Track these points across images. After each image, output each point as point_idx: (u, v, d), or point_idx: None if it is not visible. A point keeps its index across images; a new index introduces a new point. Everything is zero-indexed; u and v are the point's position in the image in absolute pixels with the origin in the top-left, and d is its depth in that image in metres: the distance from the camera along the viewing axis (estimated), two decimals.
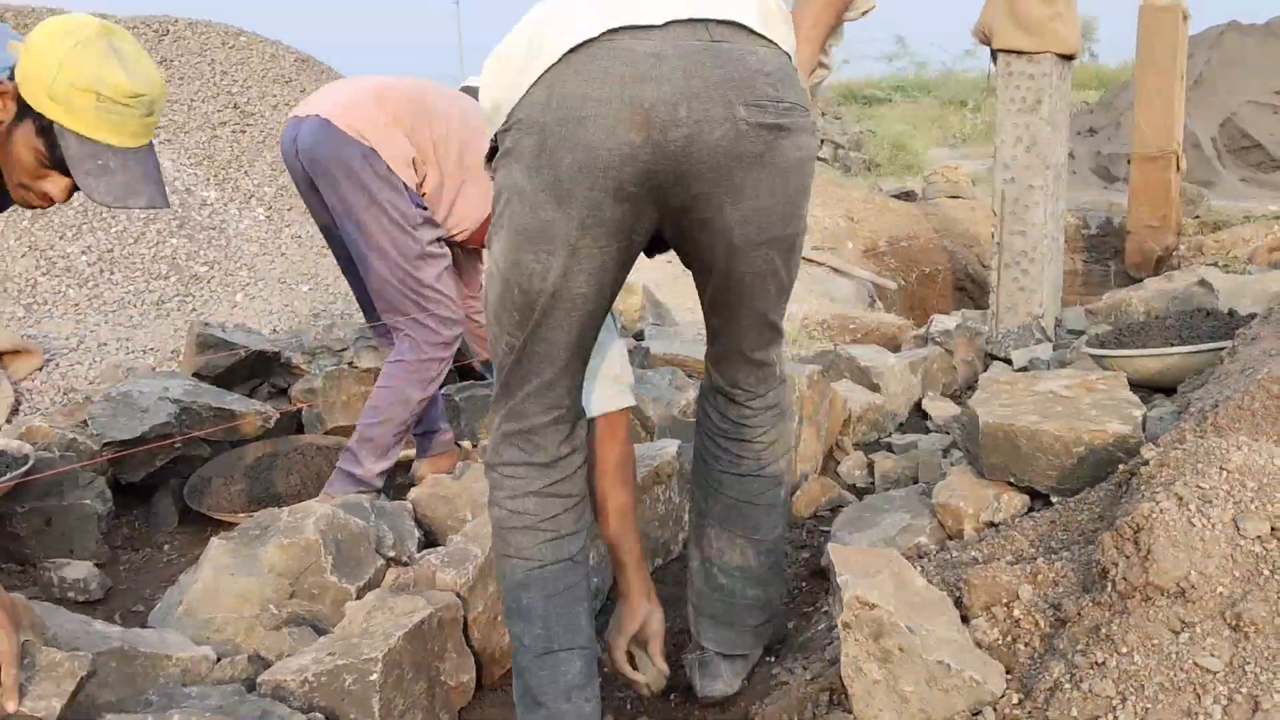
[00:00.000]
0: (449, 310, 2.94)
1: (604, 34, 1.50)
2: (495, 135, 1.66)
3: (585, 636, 1.81)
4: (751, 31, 1.57)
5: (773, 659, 2.11)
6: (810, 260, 8.21)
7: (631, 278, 5.78)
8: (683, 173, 1.55)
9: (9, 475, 2.71)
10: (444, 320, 2.93)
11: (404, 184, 2.85)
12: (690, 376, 3.84)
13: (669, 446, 2.74)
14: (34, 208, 1.88)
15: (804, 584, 2.43)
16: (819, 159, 13.49)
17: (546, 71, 1.52)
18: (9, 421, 3.82)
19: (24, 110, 1.72)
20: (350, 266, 3.10)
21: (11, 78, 1.72)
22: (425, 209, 2.93)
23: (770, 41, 1.59)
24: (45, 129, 1.72)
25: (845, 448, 3.41)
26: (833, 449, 3.37)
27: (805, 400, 3.07)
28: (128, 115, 1.72)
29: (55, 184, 1.79)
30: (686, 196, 1.59)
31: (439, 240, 2.96)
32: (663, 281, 6.65)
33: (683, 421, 3.17)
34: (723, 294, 1.79)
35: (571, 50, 1.50)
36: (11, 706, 1.60)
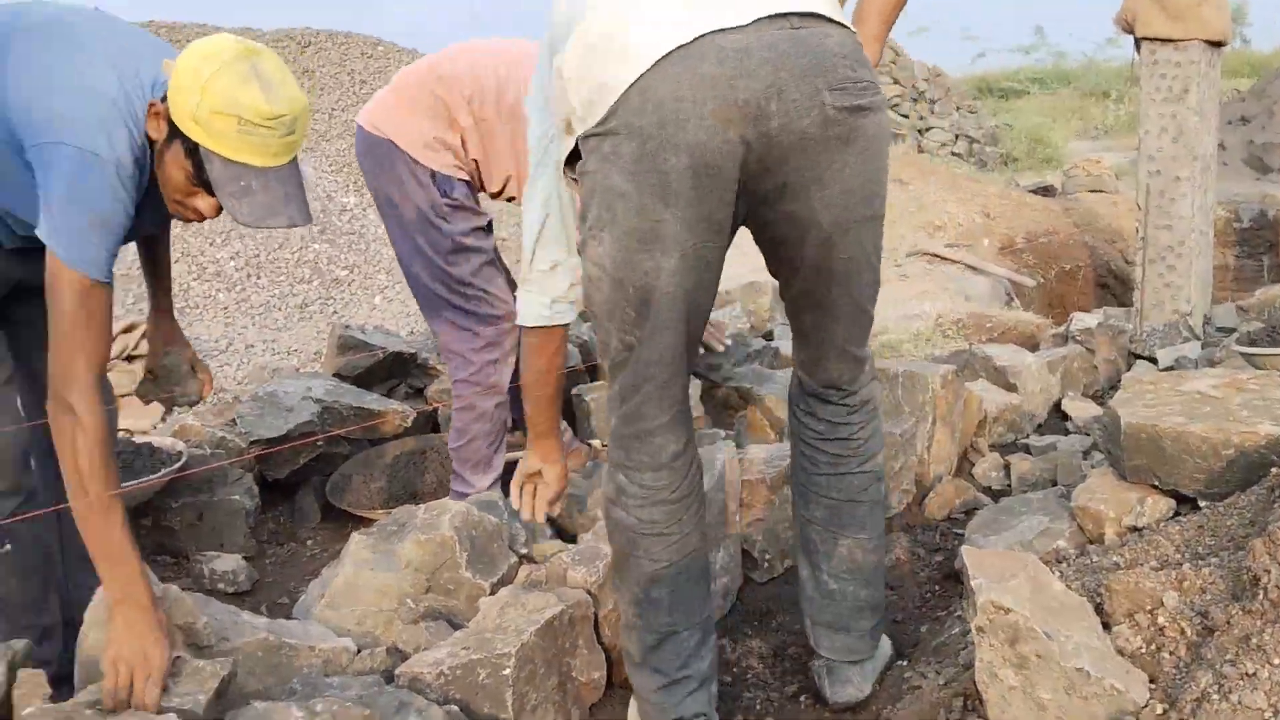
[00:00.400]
0: (489, 306, 2.84)
1: (697, 42, 1.52)
2: (579, 139, 1.66)
3: (702, 614, 1.87)
4: (825, 16, 1.59)
5: (905, 663, 2.08)
6: (945, 258, 8.05)
7: (761, 278, 5.77)
8: (775, 161, 1.58)
9: (164, 471, 2.86)
10: (484, 318, 2.84)
11: (432, 171, 2.76)
12: None
13: None
14: (189, 221, 1.96)
15: (937, 587, 2.39)
16: (954, 154, 13.23)
17: (640, 78, 1.54)
18: (163, 420, 4.02)
19: (174, 131, 1.79)
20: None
21: (164, 99, 1.79)
22: (455, 198, 2.80)
23: (842, 23, 1.61)
24: (192, 150, 1.78)
25: (980, 449, 3.33)
26: (967, 450, 3.29)
27: (939, 400, 3.01)
28: (268, 136, 1.76)
29: (204, 202, 1.85)
30: (775, 186, 1.62)
31: (477, 229, 2.85)
32: None
33: None
34: (815, 287, 1.80)
35: (670, 54, 1.53)
36: (151, 706, 1.67)
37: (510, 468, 3.16)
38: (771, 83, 1.52)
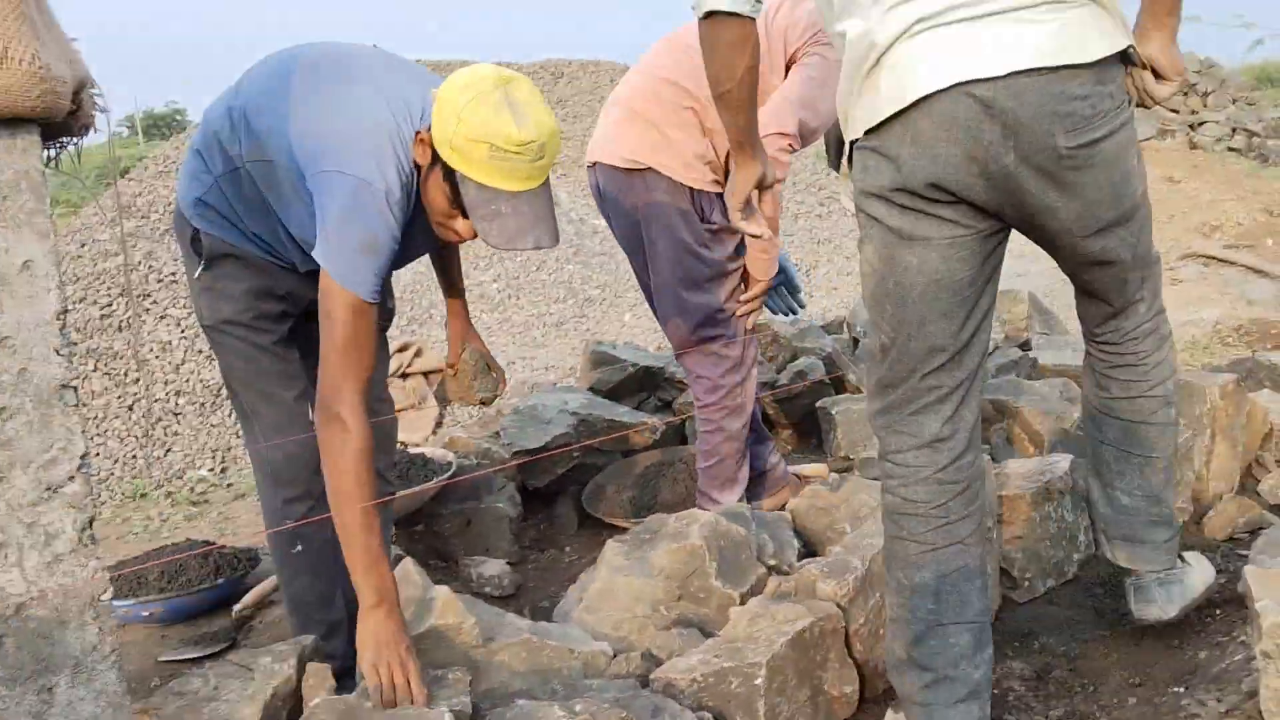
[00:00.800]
0: (733, 328, 2.86)
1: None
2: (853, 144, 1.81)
3: (975, 611, 1.87)
4: (1073, 65, 1.68)
5: (1182, 689, 1.95)
6: (1223, 260, 7.48)
7: (1019, 285, 5.56)
8: (1014, 193, 1.73)
9: (435, 480, 3.04)
10: (734, 350, 2.86)
11: (692, 192, 2.77)
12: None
13: (1061, 462, 2.60)
14: (452, 242, 2.08)
15: (1218, 611, 2.22)
16: (1231, 149, 12.27)
17: (901, 112, 1.69)
18: (434, 433, 4.28)
19: (435, 156, 1.90)
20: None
21: (429, 127, 1.91)
22: (715, 222, 2.80)
23: (1090, 63, 1.68)
24: (449, 174, 1.89)
25: (1266, 464, 3.08)
26: (1251, 466, 3.05)
27: (1219, 412, 2.81)
28: (518, 162, 1.84)
29: (463, 224, 1.96)
30: (1023, 211, 1.76)
31: (732, 254, 2.85)
32: (1051, 289, 6.32)
33: (1076, 435, 3.00)
34: (1076, 269, 1.95)
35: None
36: (423, 701, 1.77)
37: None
38: (1011, 128, 1.66)
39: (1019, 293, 4.85)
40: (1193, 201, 8.54)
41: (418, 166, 1.95)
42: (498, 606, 2.25)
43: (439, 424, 4.52)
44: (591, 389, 3.78)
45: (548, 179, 1.96)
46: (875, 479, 2.91)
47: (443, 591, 2.02)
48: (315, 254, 1.89)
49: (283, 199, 2.03)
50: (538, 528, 3.40)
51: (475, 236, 1.97)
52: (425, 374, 4.79)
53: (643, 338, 5.67)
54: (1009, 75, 1.65)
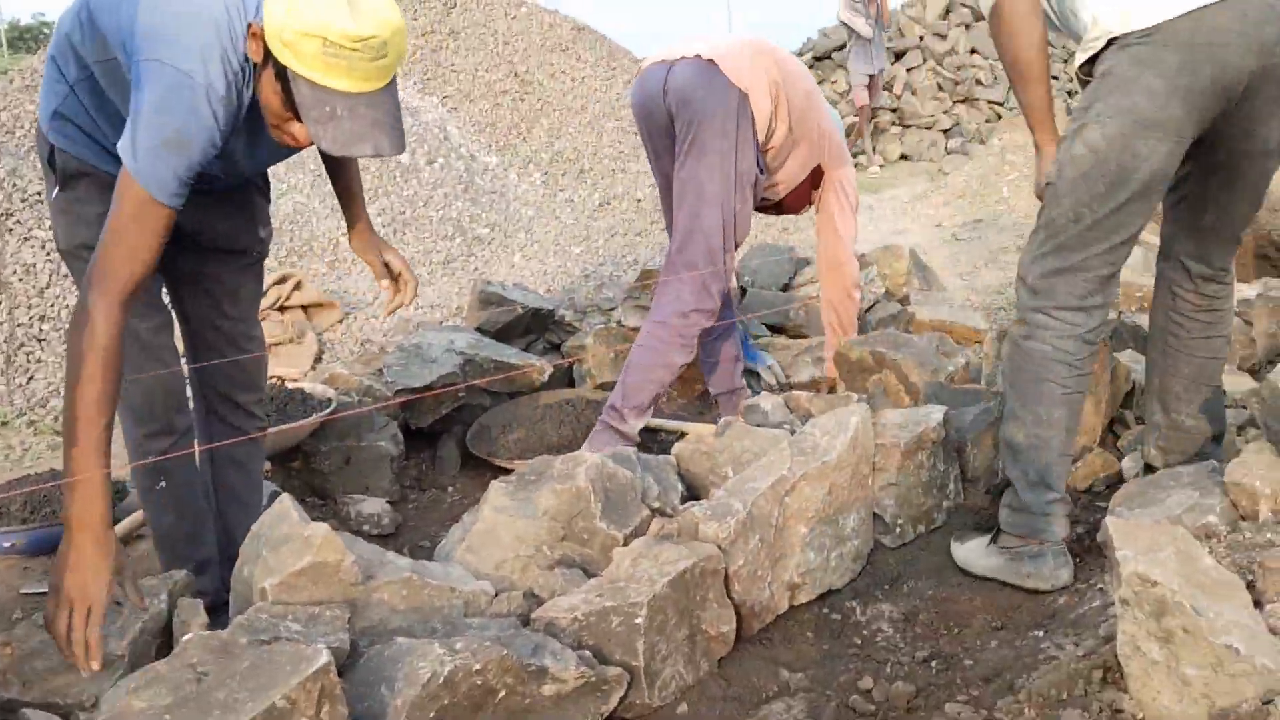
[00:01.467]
0: (724, 279, 3.02)
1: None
2: (1109, 43, 2.09)
3: (1075, 449, 2.40)
4: None
5: (1042, 633, 2.05)
6: None
7: (899, 241, 5.67)
8: (1263, 92, 2.08)
9: (315, 416, 2.98)
10: (720, 287, 3.02)
11: (755, 138, 2.95)
12: (958, 344, 3.73)
13: (934, 413, 2.68)
14: (290, 147, 1.93)
15: (1077, 559, 2.33)
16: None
17: (1194, 10, 1.98)
18: (313, 368, 4.19)
19: (268, 52, 1.75)
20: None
21: (263, 20, 1.75)
22: (761, 170, 3.02)
23: None
24: (282, 73, 1.74)
25: (1128, 421, 3.22)
26: (1113, 422, 3.19)
27: None
28: (355, 59, 1.71)
29: (298, 129, 1.81)
30: (1252, 109, 2.11)
31: (750, 207, 3.06)
32: (930, 246, 6.48)
33: (948, 389, 3.09)
34: (1234, 191, 2.30)
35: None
36: (96, 666, 1.63)
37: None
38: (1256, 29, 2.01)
39: (900, 249, 4.96)
40: None
41: (253, 62, 1.80)
42: (377, 545, 2.22)
43: (318, 359, 4.42)
44: (479, 329, 3.75)
45: (392, 80, 1.83)
46: (758, 425, 2.96)
47: (320, 528, 1.98)
48: (119, 145, 1.74)
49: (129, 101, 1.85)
50: (420, 467, 3.37)
51: (311, 143, 1.84)
52: (304, 307, 4.67)
53: (533, 279, 5.63)
54: None
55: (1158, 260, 2.56)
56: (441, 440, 3.41)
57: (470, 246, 6.13)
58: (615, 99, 8.01)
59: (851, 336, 3.47)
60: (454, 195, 6.54)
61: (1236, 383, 3.42)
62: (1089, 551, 2.38)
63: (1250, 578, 1.67)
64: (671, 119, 2.96)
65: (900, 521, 2.54)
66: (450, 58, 7.89)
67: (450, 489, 3.25)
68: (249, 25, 1.78)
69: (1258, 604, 1.60)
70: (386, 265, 2.37)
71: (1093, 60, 2.17)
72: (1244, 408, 3.07)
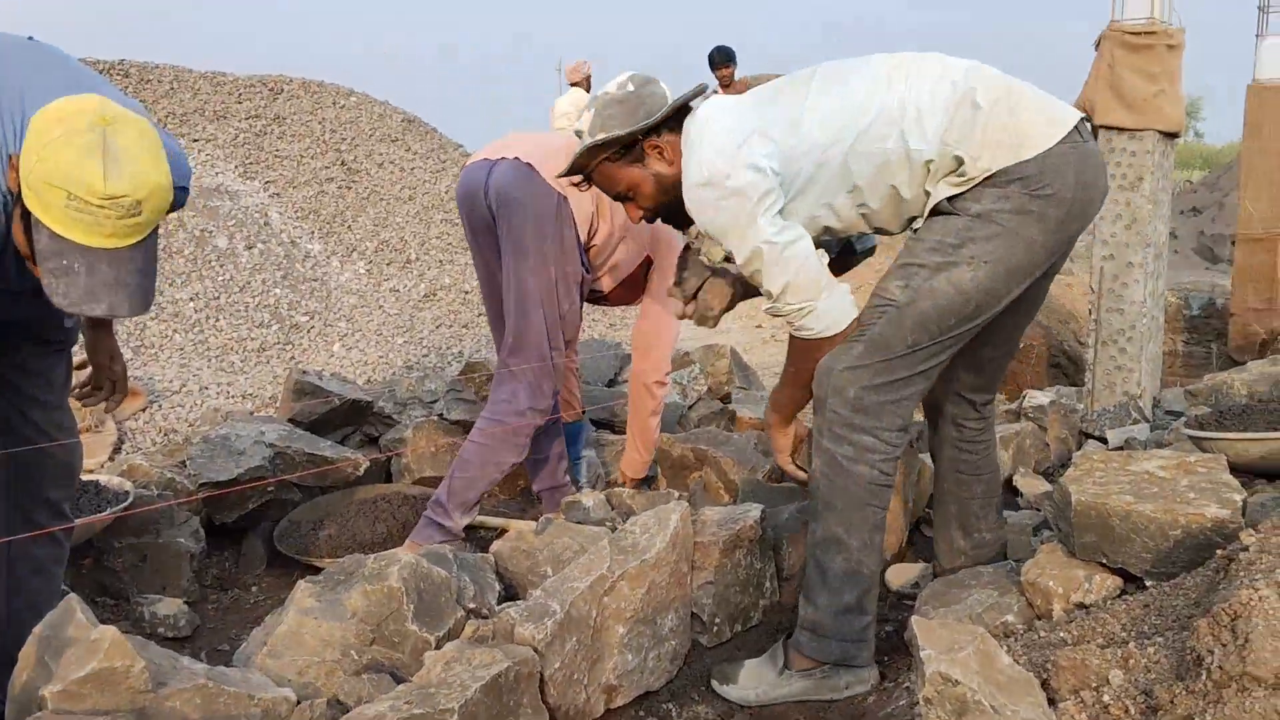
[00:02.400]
0: (555, 378, 3.06)
1: (1083, 137, 2.17)
2: (990, 184, 2.14)
3: None
4: None
5: None
6: None
7: (721, 340, 5.79)
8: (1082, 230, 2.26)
9: (108, 510, 2.80)
10: (551, 386, 3.05)
11: (577, 238, 3.00)
12: None
13: (752, 511, 2.72)
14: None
15: (885, 658, 2.38)
16: None
17: (1071, 164, 2.12)
18: (111, 459, 3.95)
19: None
20: (500, 318, 3.18)
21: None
22: (587, 269, 3.07)
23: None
24: (28, 214, 1.63)
25: (930, 520, 3.34)
26: (920, 522, 3.31)
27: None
28: (101, 216, 1.60)
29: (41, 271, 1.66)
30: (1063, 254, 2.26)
31: (578, 305, 3.10)
32: (751, 345, 6.65)
33: (765, 486, 3.15)
34: (1018, 319, 2.42)
35: (1073, 145, 2.13)
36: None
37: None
38: (1106, 180, 2.24)
39: (722, 348, 5.07)
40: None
41: (13, 193, 1.68)
42: (172, 649, 2.09)
43: (118, 449, 4.17)
44: (292, 420, 3.62)
45: (148, 238, 1.71)
46: (579, 522, 2.94)
47: (109, 631, 1.85)
48: None
49: None
50: (222, 565, 3.20)
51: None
52: None
53: (353, 370, 5.50)
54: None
55: (931, 400, 2.59)
56: (247, 537, 3.26)
57: (288, 334, 5.96)
58: (444, 191, 8.02)
59: (644, 454, 3.50)
60: (273, 281, 6.37)
61: (1032, 485, 3.61)
62: (897, 650, 2.43)
63: (1045, 676, 1.74)
64: (493, 216, 2.98)
65: (718, 620, 2.55)
66: (275, 143, 7.76)
67: (255, 589, 3.10)
68: (10, 156, 1.67)
69: (1052, 701, 1.66)
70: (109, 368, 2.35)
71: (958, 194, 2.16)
72: (1038, 510, 3.23)
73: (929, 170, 2.16)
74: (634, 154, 2.36)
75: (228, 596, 3.05)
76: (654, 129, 2.33)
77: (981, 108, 2.12)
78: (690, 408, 4.48)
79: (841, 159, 2.19)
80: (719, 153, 2.21)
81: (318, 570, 2.56)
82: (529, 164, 2.94)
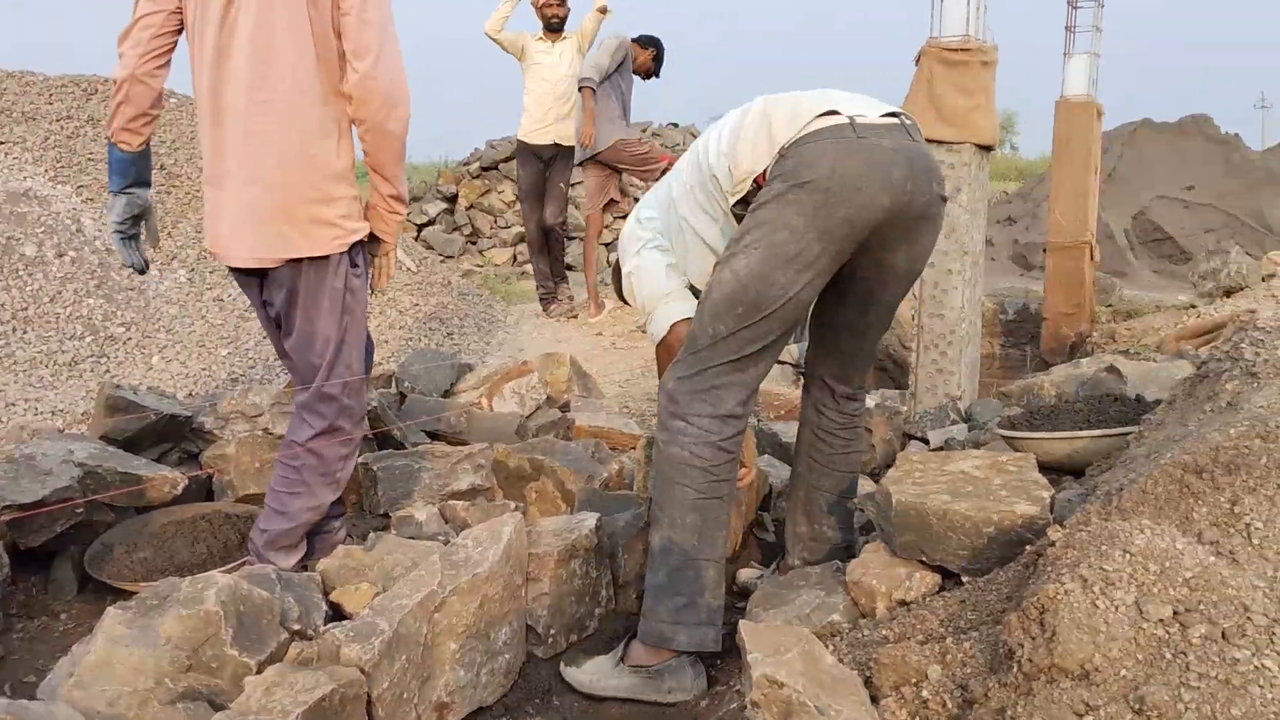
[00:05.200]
0: (356, 402, 2.79)
1: (860, 133, 2.24)
2: (762, 184, 2.30)
3: (720, 554, 2.40)
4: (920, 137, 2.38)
5: None
6: None
7: (561, 349, 5.77)
8: (893, 225, 2.30)
9: None
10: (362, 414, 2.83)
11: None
12: (613, 450, 3.83)
13: (588, 520, 2.72)
14: None
15: (718, 661, 2.41)
16: None
17: (829, 154, 2.21)
18: None
19: None
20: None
21: None
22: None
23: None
24: None
25: (766, 524, 3.41)
26: (752, 526, 3.37)
27: None
28: None
29: None
30: (883, 240, 2.32)
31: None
32: (591, 354, 6.66)
33: (602, 495, 3.16)
34: (868, 316, 2.55)
35: (838, 138, 2.23)
36: None
37: None
38: (909, 173, 2.26)
39: (561, 356, 5.06)
40: None
41: None
42: None
43: None
44: (104, 438, 3.43)
45: None
46: (411, 537, 2.88)
47: None
48: None
49: None
50: (29, 592, 3.00)
51: None
52: None
53: (173, 383, 5.26)
54: (891, 126, 2.31)
55: (804, 380, 2.78)
56: (56, 561, 3.06)
57: (102, 347, 5.66)
58: None
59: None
60: (86, 291, 6.04)
61: (860, 486, 3.71)
62: (729, 653, 2.46)
63: (868, 673, 1.78)
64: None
65: (553, 631, 2.54)
66: (88, 145, 7.37)
67: (64, 616, 2.91)
68: None
69: (875, 699, 1.71)
70: None
71: (744, 201, 2.37)
72: (862, 510, 3.32)
73: (720, 185, 2.44)
74: None
75: (35, 625, 2.86)
76: None
77: (745, 124, 2.38)
78: (529, 417, 4.45)
79: (690, 196, 2.55)
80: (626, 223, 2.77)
81: (131, 595, 2.43)
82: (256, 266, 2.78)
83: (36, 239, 6.27)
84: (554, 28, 7.69)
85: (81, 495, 2.96)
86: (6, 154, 7.14)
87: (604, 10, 7.71)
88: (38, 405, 4.62)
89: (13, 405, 4.66)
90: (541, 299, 8.29)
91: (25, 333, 5.55)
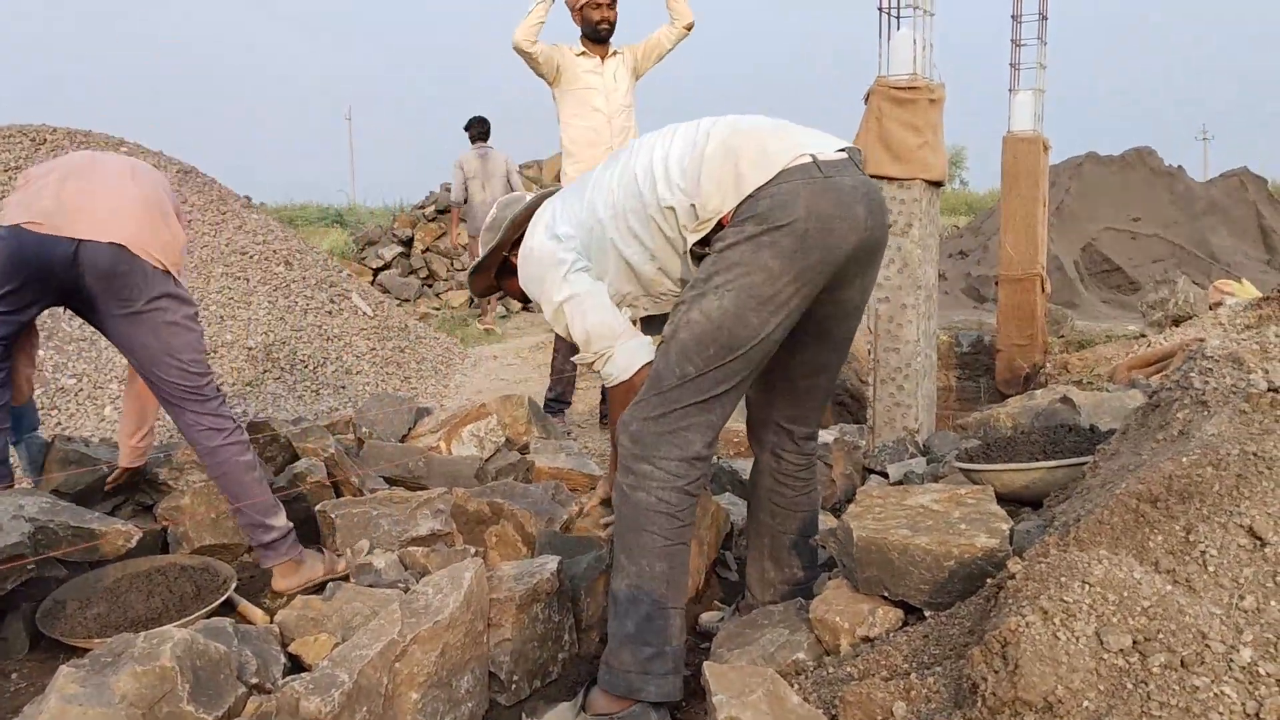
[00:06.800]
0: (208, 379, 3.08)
1: (825, 172, 2.24)
2: (730, 224, 2.26)
3: (683, 599, 2.37)
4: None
5: None
6: None
7: (520, 390, 5.73)
8: (855, 261, 2.31)
9: None
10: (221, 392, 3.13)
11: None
12: (573, 491, 3.81)
13: (549, 563, 2.70)
14: None
15: (685, 702, 2.39)
16: None
17: (802, 196, 2.20)
18: None
19: None
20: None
21: None
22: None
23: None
24: None
25: (728, 562, 3.40)
26: (714, 565, 3.36)
27: None
28: None
29: None
30: (844, 275, 2.32)
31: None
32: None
33: (562, 538, 3.14)
34: (825, 353, 2.55)
35: (808, 179, 2.22)
36: None
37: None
38: (868, 209, 2.28)
39: (520, 397, 5.04)
40: None
41: None
42: None
43: None
44: (55, 491, 3.37)
45: None
46: (370, 585, 2.85)
47: None
48: None
49: None
50: None
51: None
52: None
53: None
54: (847, 164, 2.32)
55: (754, 428, 2.73)
56: (6, 620, 2.99)
57: (53, 398, 5.57)
58: (224, 244, 7.70)
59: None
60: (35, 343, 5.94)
61: (820, 522, 3.72)
62: (694, 694, 2.45)
63: (834, 712, 1.78)
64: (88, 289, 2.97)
65: (516, 678, 2.51)
66: None
67: (14, 675, 2.84)
68: None
69: None
70: None
71: (705, 240, 2.34)
72: (823, 547, 3.33)
73: (678, 220, 2.38)
74: (507, 267, 2.85)
75: None
76: (516, 241, 2.78)
77: (707, 157, 2.33)
78: (488, 460, 4.42)
79: (622, 220, 2.48)
80: (531, 233, 2.67)
81: (84, 652, 2.38)
82: (123, 246, 2.90)
83: None
84: (601, 38, 5.76)
85: (33, 552, 2.90)
86: None
87: (689, 27, 5.85)
88: None
89: None
90: (549, 405, 6.23)
91: None
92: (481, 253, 2.84)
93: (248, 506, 3.06)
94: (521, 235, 2.76)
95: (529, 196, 2.84)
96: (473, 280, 2.92)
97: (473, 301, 12.31)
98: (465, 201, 10.65)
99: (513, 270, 2.80)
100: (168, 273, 2.95)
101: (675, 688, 2.31)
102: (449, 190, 13.31)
